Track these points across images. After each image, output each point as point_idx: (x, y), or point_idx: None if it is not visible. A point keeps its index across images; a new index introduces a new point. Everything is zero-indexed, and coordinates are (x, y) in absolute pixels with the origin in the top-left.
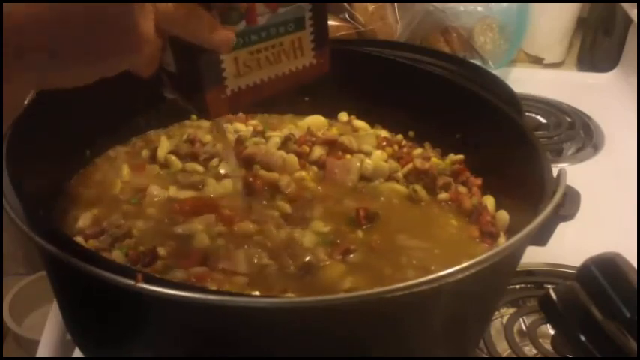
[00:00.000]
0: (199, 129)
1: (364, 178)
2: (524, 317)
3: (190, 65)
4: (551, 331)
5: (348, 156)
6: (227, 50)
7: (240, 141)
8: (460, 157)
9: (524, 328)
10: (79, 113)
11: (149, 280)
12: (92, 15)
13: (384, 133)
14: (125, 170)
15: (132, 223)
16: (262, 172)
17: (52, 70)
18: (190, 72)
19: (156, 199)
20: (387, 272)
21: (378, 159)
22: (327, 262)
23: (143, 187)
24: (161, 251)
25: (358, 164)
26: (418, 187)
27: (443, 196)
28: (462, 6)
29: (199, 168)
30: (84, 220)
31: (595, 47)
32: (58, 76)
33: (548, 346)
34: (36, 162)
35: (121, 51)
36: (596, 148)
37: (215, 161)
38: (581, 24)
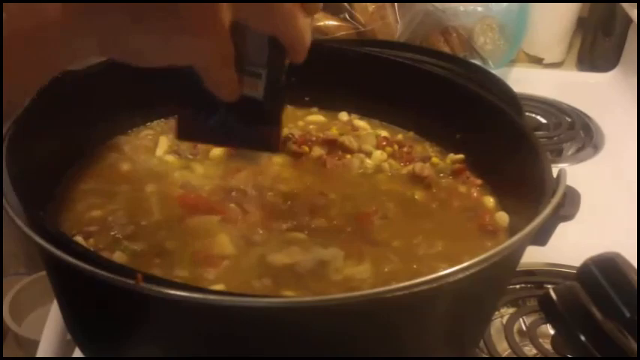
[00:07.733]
0: None
1: (364, 177)
2: (524, 317)
3: (273, 92)
4: (551, 331)
5: (348, 156)
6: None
7: None
8: (460, 156)
9: (524, 328)
10: (79, 112)
11: (149, 280)
12: None
13: (384, 133)
14: (125, 167)
15: (133, 221)
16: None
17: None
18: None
19: (157, 197)
20: (387, 270)
21: (378, 159)
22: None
23: (143, 184)
24: (163, 250)
25: (358, 164)
26: (418, 194)
27: (442, 195)
28: (462, 6)
29: (199, 167)
30: (84, 217)
31: (595, 47)
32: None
33: (548, 346)
34: (36, 161)
35: (190, 26)
36: (596, 148)
37: (213, 156)
38: (581, 24)
